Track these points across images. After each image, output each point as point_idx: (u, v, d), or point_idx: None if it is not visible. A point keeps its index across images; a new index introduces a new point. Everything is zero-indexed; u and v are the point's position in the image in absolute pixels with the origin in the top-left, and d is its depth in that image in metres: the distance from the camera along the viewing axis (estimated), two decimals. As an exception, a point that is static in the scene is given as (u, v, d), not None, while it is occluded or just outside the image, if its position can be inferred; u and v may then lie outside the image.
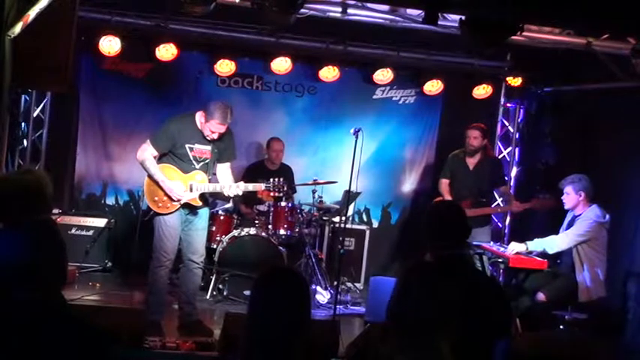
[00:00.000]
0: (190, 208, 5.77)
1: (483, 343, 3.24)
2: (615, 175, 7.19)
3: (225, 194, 5.83)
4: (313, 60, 8.19)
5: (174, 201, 5.67)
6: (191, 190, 5.70)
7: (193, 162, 5.73)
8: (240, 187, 5.84)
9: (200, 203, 5.76)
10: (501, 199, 8.02)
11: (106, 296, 6.91)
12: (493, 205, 7.77)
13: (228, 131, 5.84)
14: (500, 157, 8.63)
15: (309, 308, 2.55)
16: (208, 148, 5.74)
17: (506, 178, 8.05)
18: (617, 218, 6.41)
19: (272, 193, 6.43)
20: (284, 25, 6.31)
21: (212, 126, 5.61)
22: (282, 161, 8.06)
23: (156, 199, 5.70)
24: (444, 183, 7.59)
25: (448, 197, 7.46)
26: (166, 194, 5.66)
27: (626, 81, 6.77)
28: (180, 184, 5.68)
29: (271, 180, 6.16)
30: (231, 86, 8.37)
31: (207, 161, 5.77)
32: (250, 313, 2.48)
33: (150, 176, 5.70)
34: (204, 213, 5.91)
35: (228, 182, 5.82)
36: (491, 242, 6.88)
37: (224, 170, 5.89)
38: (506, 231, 8.63)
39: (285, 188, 6.32)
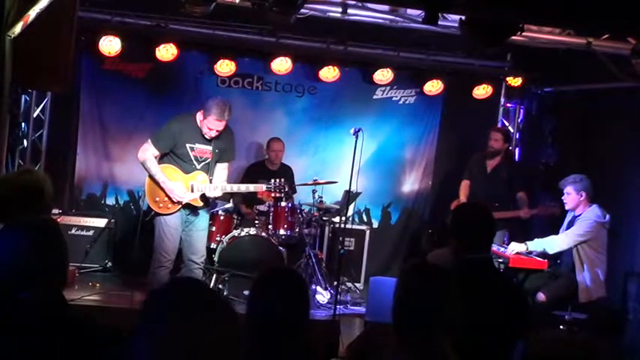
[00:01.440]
0: (191, 209, 5.77)
1: (501, 344, 3.25)
2: (615, 175, 7.19)
3: (207, 195, 5.79)
4: (313, 60, 8.18)
5: (175, 202, 5.67)
6: (192, 190, 5.70)
7: (194, 162, 5.73)
8: (219, 188, 5.83)
9: (201, 203, 5.76)
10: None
11: (106, 296, 6.90)
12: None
13: (229, 131, 5.84)
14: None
15: (308, 308, 2.55)
16: (209, 147, 5.74)
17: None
18: (617, 218, 6.42)
19: (273, 194, 6.44)
20: (284, 26, 6.31)
21: (210, 122, 5.61)
22: (282, 161, 8.06)
23: (157, 199, 5.70)
24: (464, 184, 7.63)
25: (463, 198, 7.47)
26: (167, 195, 5.66)
27: (626, 81, 6.76)
28: (181, 184, 5.68)
29: (272, 181, 6.18)
30: (232, 86, 8.36)
31: (208, 161, 5.77)
32: (249, 314, 2.48)
33: (151, 176, 5.70)
34: (205, 213, 5.91)
35: (220, 182, 5.82)
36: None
37: (220, 170, 5.89)
38: (506, 231, 8.61)
39: (286, 189, 6.34)
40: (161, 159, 5.75)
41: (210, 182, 5.77)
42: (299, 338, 2.45)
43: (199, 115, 5.67)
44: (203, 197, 5.77)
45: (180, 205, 5.70)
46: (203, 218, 5.89)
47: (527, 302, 3.72)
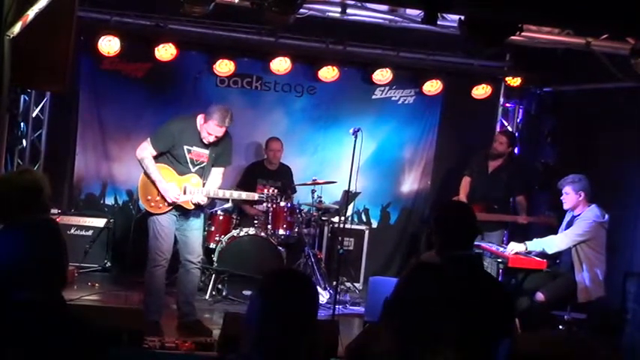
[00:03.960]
0: (182, 211, 5.75)
1: (486, 342, 3.24)
2: (615, 174, 7.19)
3: (194, 200, 5.75)
4: (312, 60, 8.18)
5: (167, 202, 5.66)
6: (184, 192, 5.68)
7: (189, 164, 5.72)
8: (210, 194, 5.80)
9: (192, 206, 5.73)
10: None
11: (105, 296, 6.91)
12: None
13: (227, 136, 5.82)
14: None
15: (318, 309, 2.55)
16: (206, 152, 5.73)
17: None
18: (617, 218, 6.41)
19: (266, 190, 6.52)
20: (283, 25, 6.30)
21: (209, 127, 5.60)
22: (281, 161, 8.06)
23: (149, 198, 5.69)
24: (465, 180, 7.63)
25: (463, 196, 7.47)
26: (160, 194, 5.65)
27: (625, 81, 6.76)
28: (174, 185, 5.67)
29: (265, 191, 6.33)
30: (231, 86, 8.36)
31: (203, 165, 5.76)
32: (255, 313, 2.44)
33: (147, 175, 5.70)
34: (199, 213, 5.90)
35: (212, 187, 5.80)
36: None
37: (215, 175, 5.87)
38: (505, 231, 8.62)
39: (279, 200, 6.41)
40: (156, 158, 5.74)
41: (204, 186, 5.75)
42: (308, 338, 2.44)
43: (200, 119, 5.66)
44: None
45: (172, 206, 5.68)
46: (198, 218, 5.87)
47: (512, 300, 3.72)
